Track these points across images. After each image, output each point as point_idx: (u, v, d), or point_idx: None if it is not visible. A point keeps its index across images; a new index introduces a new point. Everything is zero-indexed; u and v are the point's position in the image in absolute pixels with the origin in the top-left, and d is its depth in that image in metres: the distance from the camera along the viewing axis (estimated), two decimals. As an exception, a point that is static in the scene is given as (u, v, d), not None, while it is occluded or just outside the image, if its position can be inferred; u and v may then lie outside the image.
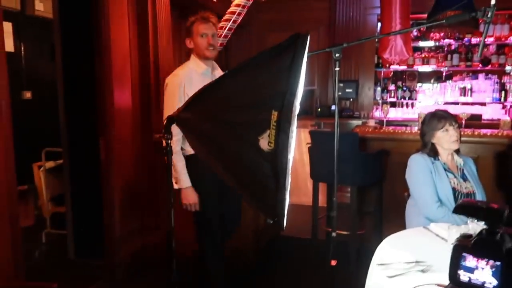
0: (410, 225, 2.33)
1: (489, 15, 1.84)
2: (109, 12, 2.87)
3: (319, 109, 5.38)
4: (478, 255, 0.73)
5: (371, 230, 3.52)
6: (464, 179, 2.31)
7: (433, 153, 2.34)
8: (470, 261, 0.75)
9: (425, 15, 4.27)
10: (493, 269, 0.72)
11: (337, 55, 2.09)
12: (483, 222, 0.75)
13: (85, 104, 3.13)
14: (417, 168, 2.32)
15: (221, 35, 3.58)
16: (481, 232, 0.75)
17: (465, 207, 0.76)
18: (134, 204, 3.23)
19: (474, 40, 5.16)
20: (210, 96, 1.30)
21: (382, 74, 5.68)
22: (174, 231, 1.39)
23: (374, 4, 5.19)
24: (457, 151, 2.38)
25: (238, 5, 3.52)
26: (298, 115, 1.33)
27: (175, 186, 2.40)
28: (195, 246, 2.63)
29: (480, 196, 2.26)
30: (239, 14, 3.53)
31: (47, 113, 4.33)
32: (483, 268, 0.73)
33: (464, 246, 0.75)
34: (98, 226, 3.12)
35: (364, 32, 5.33)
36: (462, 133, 3.40)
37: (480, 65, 5.17)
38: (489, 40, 5.10)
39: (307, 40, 1.23)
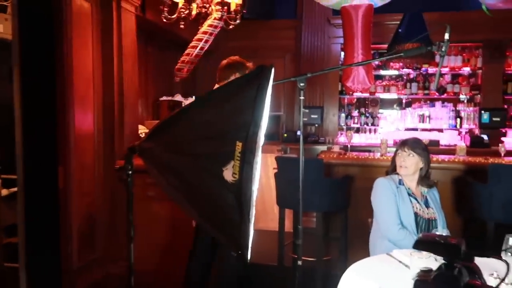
0: (374, 251, 2.35)
1: (443, 49, 1.95)
2: (72, 35, 2.82)
3: (285, 135, 5.45)
4: (438, 289, 0.74)
5: (337, 256, 3.53)
6: (427, 205, 2.38)
7: (400, 177, 2.40)
8: (430, 296, 0.75)
9: (386, 46, 4.48)
10: (452, 304, 0.72)
11: (301, 84, 2.14)
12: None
13: (44, 129, 3.01)
14: (382, 191, 2.37)
15: (188, 61, 3.59)
16: (440, 267, 0.76)
17: (424, 243, 0.78)
18: (95, 233, 3.10)
19: (431, 70, 5.45)
20: (174, 126, 1.28)
21: (346, 100, 5.86)
22: (133, 265, 1.33)
23: (338, 34, 5.40)
24: (424, 181, 2.43)
25: (205, 32, 3.56)
26: (264, 140, 1.34)
27: None
28: (159, 276, 2.54)
29: (441, 222, 2.33)
30: (206, 41, 3.56)
31: (2, 137, 4.12)
32: (443, 303, 0.74)
33: (424, 281, 0.76)
34: (54, 257, 2.95)
35: (328, 60, 5.51)
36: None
37: (437, 93, 5.44)
38: (445, 70, 5.40)
39: (271, 73, 1.25)
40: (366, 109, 5.85)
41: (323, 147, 5.15)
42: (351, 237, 3.56)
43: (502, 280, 0.70)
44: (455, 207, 3.46)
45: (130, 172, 1.24)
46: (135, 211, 1.35)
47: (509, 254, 1.69)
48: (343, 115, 5.66)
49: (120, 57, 3.22)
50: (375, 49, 5.26)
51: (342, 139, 5.39)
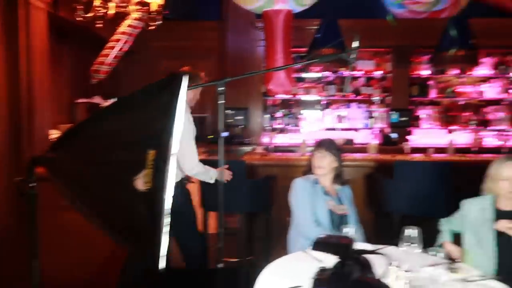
0: (292, 248, 2.46)
1: (353, 56, 2.10)
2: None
3: (210, 136, 5.44)
4: (333, 286, 0.81)
5: (260, 255, 3.62)
6: (340, 202, 2.54)
7: (316, 176, 2.54)
8: (326, 293, 0.81)
9: (305, 49, 4.68)
10: (344, 298, 0.79)
11: (221, 88, 2.17)
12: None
13: None
14: (299, 191, 2.49)
15: (105, 62, 3.43)
16: (335, 265, 0.83)
17: (320, 244, 0.84)
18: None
19: (347, 73, 5.79)
20: (81, 135, 1.23)
21: (270, 101, 6.01)
22: (41, 283, 1.26)
23: (262, 37, 5.52)
24: (338, 179, 2.59)
25: (124, 33, 3.44)
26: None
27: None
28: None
29: (352, 217, 2.51)
30: (125, 41, 3.44)
31: None
32: (337, 299, 0.80)
33: (321, 280, 0.82)
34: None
35: (253, 62, 5.63)
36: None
37: (352, 95, 5.82)
38: (359, 73, 5.80)
39: (183, 80, 1.26)
40: (290, 110, 6.07)
41: (248, 148, 5.25)
42: (275, 236, 3.67)
43: (383, 273, 0.78)
44: (366, 202, 3.74)
45: (32, 185, 1.16)
46: (46, 223, 1.27)
47: (407, 244, 1.88)
48: (267, 116, 5.81)
49: (29, 58, 2.98)
50: (295, 53, 5.47)
51: (266, 140, 5.53)
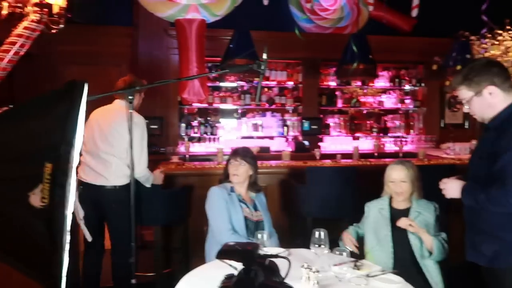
0: (209, 257, 2.46)
1: (262, 67, 2.17)
2: None
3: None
4: (238, 293, 0.81)
5: (177, 267, 3.53)
6: (255, 209, 2.60)
7: (231, 184, 2.57)
8: (232, 300, 0.82)
9: (219, 59, 4.73)
10: (249, 304, 0.80)
11: (130, 97, 2.10)
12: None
13: None
14: (214, 199, 2.51)
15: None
16: (240, 272, 0.84)
17: (225, 252, 0.85)
18: None
19: (262, 83, 5.97)
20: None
21: (186, 110, 5.94)
22: None
23: (176, 45, 5.45)
24: (253, 186, 2.64)
25: (20, 35, 3.14)
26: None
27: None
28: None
29: (266, 223, 2.58)
30: (22, 45, 3.15)
31: None
32: (242, 304, 0.81)
33: (226, 287, 0.82)
34: None
35: (167, 70, 5.51)
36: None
37: (267, 104, 6.00)
38: (273, 83, 6.01)
39: (84, 89, 1.19)
40: (208, 119, 6.07)
41: (164, 158, 5.12)
42: (193, 246, 3.62)
43: (285, 276, 0.81)
44: (282, 207, 3.87)
45: None
46: None
47: (316, 245, 1.98)
48: (183, 124, 5.73)
49: None
50: (210, 62, 5.50)
51: (183, 149, 5.44)
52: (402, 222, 2.26)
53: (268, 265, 0.86)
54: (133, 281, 2.12)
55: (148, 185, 3.01)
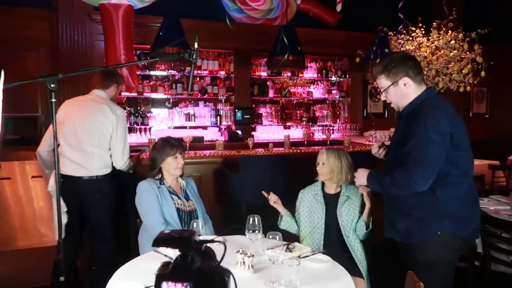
0: (143, 250, 2.41)
1: (194, 57, 2.15)
2: None
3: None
4: (175, 279, 0.83)
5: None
6: (187, 198, 2.59)
7: (160, 177, 2.52)
8: (169, 286, 0.83)
9: (149, 46, 4.58)
10: (187, 289, 0.82)
11: (52, 85, 1.97)
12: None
13: None
14: (145, 194, 2.44)
15: None
16: (176, 258, 0.85)
17: (161, 239, 0.86)
18: None
19: (194, 72, 5.88)
20: None
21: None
22: None
23: (101, 31, 5.17)
24: (180, 174, 2.63)
25: None
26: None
27: None
28: None
29: (200, 211, 2.59)
30: None
31: None
32: (180, 290, 0.83)
33: (163, 275, 0.84)
34: None
35: (92, 57, 5.21)
36: (186, 154, 3.82)
37: (199, 94, 5.95)
38: (205, 73, 5.96)
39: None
40: (139, 108, 5.86)
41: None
42: (126, 239, 3.51)
43: (221, 259, 0.84)
44: (216, 196, 3.90)
45: None
46: None
47: (251, 231, 2.04)
48: (111, 115, 5.47)
49: None
50: (139, 49, 5.31)
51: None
52: (361, 188, 2.39)
53: (205, 251, 0.89)
54: (62, 278, 2.02)
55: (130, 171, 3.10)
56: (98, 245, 3.05)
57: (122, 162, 2.98)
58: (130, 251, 2.71)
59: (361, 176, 2.17)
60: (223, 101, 6.16)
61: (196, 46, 2.13)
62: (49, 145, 3.00)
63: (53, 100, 1.99)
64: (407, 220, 2.05)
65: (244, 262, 1.91)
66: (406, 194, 1.99)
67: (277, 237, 1.89)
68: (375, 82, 2.15)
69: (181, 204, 2.51)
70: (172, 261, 0.89)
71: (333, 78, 6.79)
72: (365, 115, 6.78)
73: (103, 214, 2.97)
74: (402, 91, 2.05)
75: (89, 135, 2.86)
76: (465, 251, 2.87)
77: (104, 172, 2.94)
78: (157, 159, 2.52)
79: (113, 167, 3.01)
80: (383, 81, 2.09)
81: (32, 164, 4.68)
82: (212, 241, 0.86)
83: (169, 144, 2.54)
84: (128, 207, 2.92)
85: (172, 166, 2.51)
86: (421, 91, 2.05)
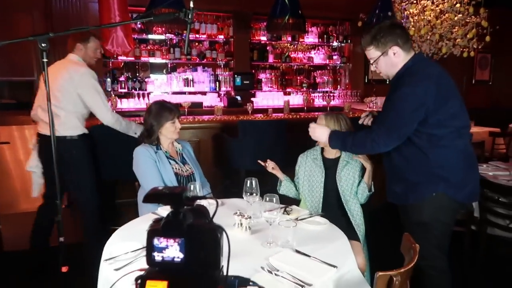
0: (142, 213, 2.42)
1: (189, 16, 2.07)
2: None
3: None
4: (167, 235, 0.82)
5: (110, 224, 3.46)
6: (184, 162, 2.58)
7: (157, 142, 2.49)
8: (161, 242, 0.82)
9: (144, 8, 4.43)
10: (179, 245, 0.82)
11: (43, 45, 1.92)
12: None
13: None
14: (142, 160, 2.42)
15: None
16: (168, 215, 0.83)
17: (152, 195, 0.84)
18: None
19: (192, 36, 5.76)
20: None
21: (111, 64, 5.58)
22: None
23: (95, -8, 5.00)
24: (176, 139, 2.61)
25: None
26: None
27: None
28: None
29: (197, 175, 2.58)
30: None
31: None
32: (172, 246, 0.82)
33: (155, 230, 0.82)
34: None
35: (86, 19, 5.05)
36: (185, 120, 3.79)
37: (198, 59, 5.84)
38: (203, 37, 5.82)
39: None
40: (138, 74, 5.77)
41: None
42: (125, 202, 3.55)
43: (213, 215, 0.83)
44: (215, 161, 3.90)
45: None
46: None
47: (248, 193, 2.04)
48: (109, 80, 5.40)
49: None
50: (135, 12, 5.15)
51: (109, 105, 5.16)
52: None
53: (198, 209, 0.87)
54: (61, 239, 2.03)
55: (134, 135, 3.04)
56: (81, 215, 3.12)
57: (107, 117, 2.99)
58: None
59: (320, 132, 2.21)
60: (222, 66, 6.05)
61: (191, 5, 2.05)
62: (42, 109, 3.03)
63: (45, 60, 1.95)
64: (403, 183, 2.09)
65: (241, 224, 1.92)
66: (365, 153, 2.14)
67: (274, 199, 1.89)
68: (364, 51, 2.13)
69: (178, 169, 2.50)
70: (159, 218, 0.87)
71: (335, 43, 6.64)
72: (366, 81, 6.67)
73: (75, 175, 2.98)
74: (392, 61, 2.03)
75: (55, 97, 2.82)
76: (461, 214, 2.90)
77: (71, 133, 2.96)
78: (154, 125, 2.47)
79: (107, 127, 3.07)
80: (372, 52, 2.07)
81: (30, 128, 4.65)
82: (204, 197, 0.84)
83: (167, 109, 2.49)
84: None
85: (169, 130, 2.48)
86: (409, 58, 2.03)
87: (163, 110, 2.49)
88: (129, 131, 3.12)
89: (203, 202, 0.93)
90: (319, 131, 2.23)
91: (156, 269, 0.84)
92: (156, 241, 0.83)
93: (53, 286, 2.25)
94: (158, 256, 0.83)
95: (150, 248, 0.83)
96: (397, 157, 2.07)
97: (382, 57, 2.03)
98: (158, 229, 0.83)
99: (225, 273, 0.86)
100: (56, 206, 1.97)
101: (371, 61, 2.10)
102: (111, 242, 1.80)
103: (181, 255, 0.82)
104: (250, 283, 0.89)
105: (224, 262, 0.87)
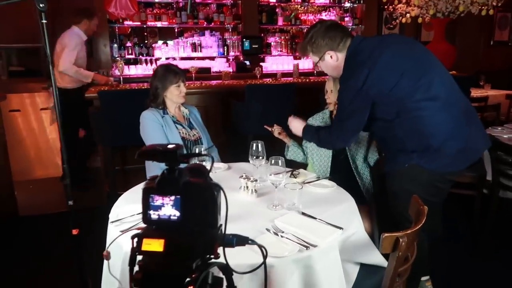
0: (149, 175, 2.43)
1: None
2: None
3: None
4: (162, 193, 0.80)
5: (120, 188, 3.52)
6: (191, 127, 2.55)
7: (163, 106, 2.46)
8: (157, 200, 0.81)
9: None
10: (175, 203, 0.80)
11: (41, 5, 1.87)
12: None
13: None
14: (149, 123, 2.40)
15: None
16: (163, 172, 0.81)
17: (146, 152, 0.82)
18: None
19: (198, -1, 5.59)
20: None
21: (117, 30, 5.48)
22: None
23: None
24: (182, 102, 2.57)
25: None
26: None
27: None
28: None
29: (205, 140, 2.56)
30: None
31: None
32: (168, 204, 0.80)
33: (150, 188, 0.81)
34: None
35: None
36: (192, 85, 3.74)
37: (205, 22, 5.69)
38: (209, 0, 5.65)
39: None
40: (146, 41, 5.67)
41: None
42: (133, 168, 3.59)
43: (209, 171, 0.80)
44: (222, 126, 3.87)
45: None
46: None
47: (254, 157, 2.02)
48: (115, 46, 5.32)
49: None
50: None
51: (117, 72, 5.12)
52: None
53: (196, 167, 0.85)
54: (70, 202, 2.06)
55: (87, 80, 3.98)
56: None
57: (61, 67, 3.79)
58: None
59: (296, 127, 2.30)
60: (230, 30, 5.90)
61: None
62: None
63: (44, 21, 1.91)
64: (387, 152, 2.14)
65: (247, 187, 1.90)
66: (330, 149, 2.28)
67: (280, 161, 1.86)
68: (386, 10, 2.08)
69: (185, 134, 2.48)
70: (154, 176, 0.85)
71: (347, 4, 6.38)
72: (379, 44, 6.45)
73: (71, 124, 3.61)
74: (331, 64, 2.03)
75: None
76: (471, 177, 2.85)
77: (61, 86, 3.84)
78: (159, 88, 2.44)
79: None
80: (312, 57, 2.07)
81: (41, 96, 4.67)
82: (199, 154, 0.81)
83: (172, 72, 2.44)
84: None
85: (174, 94, 2.44)
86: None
87: (168, 73, 2.45)
88: (82, 79, 3.94)
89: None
90: (295, 125, 2.30)
91: (153, 228, 0.83)
92: (151, 199, 0.81)
93: (65, 248, 2.31)
94: (154, 214, 0.82)
95: (146, 206, 0.82)
96: (380, 133, 2.06)
97: (321, 62, 2.04)
98: (153, 186, 0.81)
99: (223, 232, 0.85)
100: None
101: (315, 64, 2.12)
102: (117, 204, 1.82)
103: (177, 213, 0.80)
104: (249, 241, 0.87)
105: (223, 221, 0.85)
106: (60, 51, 3.84)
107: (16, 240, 3.11)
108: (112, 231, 1.61)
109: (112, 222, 1.63)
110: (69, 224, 2.07)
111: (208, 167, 0.87)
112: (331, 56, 1.99)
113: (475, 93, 4.75)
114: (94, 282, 1.61)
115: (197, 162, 1.52)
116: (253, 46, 5.67)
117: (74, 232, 2.08)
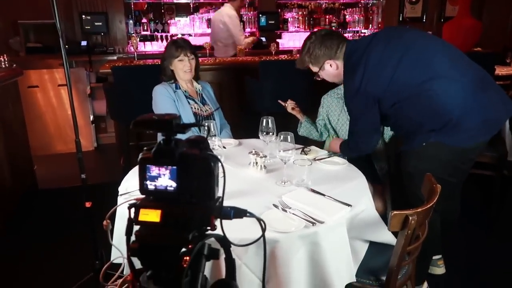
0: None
1: None
2: None
3: (66, 46, 4.81)
4: (158, 163, 0.79)
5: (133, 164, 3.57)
6: (203, 103, 2.53)
7: (173, 80, 2.44)
8: (153, 170, 0.79)
9: None
10: (171, 174, 0.78)
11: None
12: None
13: None
14: (161, 99, 2.40)
15: None
16: (159, 143, 0.80)
17: (142, 122, 0.80)
18: None
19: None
20: None
21: (132, 5, 5.45)
22: None
23: None
24: (196, 78, 2.54)
25: None
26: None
27: None
28: None
29: (217, 116, 2.54)
30: None
31: None
32: (164, 175, 0.79)
33: (146, 159, 0.79)
34: None
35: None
36: (206, 61, 3.70)
37: (221, -2, 5.59)
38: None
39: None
40: (164, 18, 5.62)
41: (113, 57, 4.82)
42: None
43: (205, 139, 0.78)
44: (236, 102, 3.84)
45: None
46: None
47: (264, 133, 1.99)
48: (131, 22, 5.30)
49: None
50: None
51: (132, 48, 5.11)
52: None
53: (195, 139, 0.83)
54: (83, 176, 2.10)
55: None
56: None
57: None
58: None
59: (335, 144, 2.27)
60: (246, 5, 5.78)
61: None
62: None
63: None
64: (403, 134, 2.05)
65: (256, 163, 1.88)
66: (362, 154, 2.14)
67: (289, 137, 1.82)
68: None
69: (197, 109, 2.46)
70: (150, 147, 0.84)
71: (368, -22, 6.16)
72: (400, 19, 6.23)
73: None
74: (331, 72, 2.05)
75: None
76: (461, 163, 2.73)
77: None
78: (165, 61, 2.43)
79: None
80: (312, 68, 2.08)
81: (59, 72, 4.71)
82: (196, 124, 0.79)
83: (175, 45, 2.41)
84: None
85: (178, 68, 2.41)
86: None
87: (171, 46, 2.43)
88: None
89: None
90: (333, 143, 2.32)
91: (150, 198, 0.82)
92: (148, 170, 0.80)
93: (79, 219, 2.37)
94: (150, 185, 0.81)
95: (142, 177, 0.81)
96: (395, 120, 1.99)
97: (321, 71, 2.06)
98: (149, 157, 0.80)
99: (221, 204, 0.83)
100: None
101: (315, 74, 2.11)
102: (127, 178, 1.83)
103: (174, 184, 0.79)
104: (247, 214, 0.85)
105: (221, 193, 0.84)
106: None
107: (35, 212, 3.20)
108: (121, 202, 1.62)
109: (121, 195, 1.65)
110: (82, 198, 2.12)
111: (216, 142, 0.85)
112: (330, 65, 2.02)
113: (501, 71, 4.55)
114: (108, 253, 1.65)
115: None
116: (270, 22, 5.57)
117: (87, 204, 2.13)
